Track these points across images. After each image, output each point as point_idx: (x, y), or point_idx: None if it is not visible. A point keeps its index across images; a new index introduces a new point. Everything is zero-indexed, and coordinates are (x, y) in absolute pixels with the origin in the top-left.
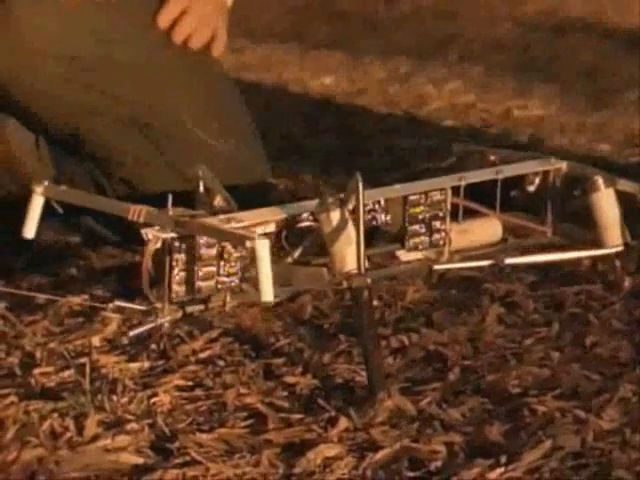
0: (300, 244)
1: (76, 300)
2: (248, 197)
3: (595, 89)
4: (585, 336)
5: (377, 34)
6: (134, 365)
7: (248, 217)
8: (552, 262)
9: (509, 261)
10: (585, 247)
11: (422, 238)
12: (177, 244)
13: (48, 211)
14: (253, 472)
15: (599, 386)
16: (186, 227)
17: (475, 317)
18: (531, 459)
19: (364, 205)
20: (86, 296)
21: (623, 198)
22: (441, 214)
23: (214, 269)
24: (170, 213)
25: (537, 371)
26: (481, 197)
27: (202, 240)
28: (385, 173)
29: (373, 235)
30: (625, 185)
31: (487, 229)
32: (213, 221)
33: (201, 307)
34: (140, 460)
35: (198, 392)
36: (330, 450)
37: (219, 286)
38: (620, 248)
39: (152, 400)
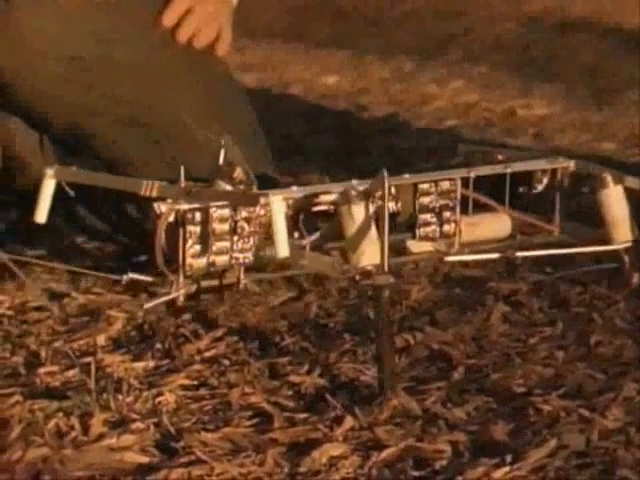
0: (317, 229)
1: (89, 272)
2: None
3: (597, 88)
4: (589, 335)
5: (379, 33)
6: (139, 364)
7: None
8: (562, 255)
9: (520, 254)
10: (593, 245)
11: (433, 227)
12: (190, 216)
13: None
14: (258, 471)
15: (603, 385)
16: (199, 196)
17: (479, 316)
18: (536, 458)
19: (376, 193)
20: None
21: (629, 195)
22: (451, 204)
23: (228, 244)
24: (182, 185)
25: (541, 370)
26: (490, 197)
27: (215, 214)
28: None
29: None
30: (632, 182)
31: (496, 224)
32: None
33: (215, 282)
34: (145, 459)
35: (203, 391)
36: (335, 449)
37: (233, 262)
38: (629, 244)
39: (157, 399)
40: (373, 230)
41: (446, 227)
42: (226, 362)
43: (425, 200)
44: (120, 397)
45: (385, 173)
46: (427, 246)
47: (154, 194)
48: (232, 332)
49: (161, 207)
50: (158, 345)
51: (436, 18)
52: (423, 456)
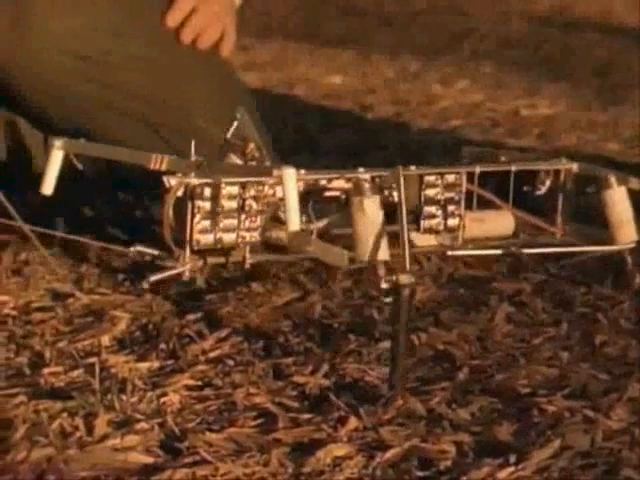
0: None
1: (96, 243)
2: None
3: (602, 88)
4: (594, 336)
5: (389, 31)
6: (143, 365)
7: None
8: (566, 254)
9: (526, 250)
10: (596, 246)
11: (437, 220)
12: (199, 191)
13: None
14: (263, 471)
15: (608, 386)
16: (210, 170)
17: (484, 316)
18: (540, 458)
19: (382, 184)
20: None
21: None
22: (456, 198)
23: (235, 222)
24: (193, 159)
25: (546, 370)
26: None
27: (224, 191)
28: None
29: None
30: (636, 183)
31: (501, 221)
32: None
33: (222, 260)
34: (149, 459)
35: (207, 392)
36: (339, 449)
37: (239, 240)
38: (632, 245)
39: (161, 400)
40: (383, 224)
41: (451, 221)
42: (230, 362)
43: (431, 192)
44: (124, 397)
45: (400, 170)
46: (431, 240)
47: (164, 167)
48: (236, 332)
49: (170, 181)
50: (162, 345)
51: (448, 15)
52: (427, 456)
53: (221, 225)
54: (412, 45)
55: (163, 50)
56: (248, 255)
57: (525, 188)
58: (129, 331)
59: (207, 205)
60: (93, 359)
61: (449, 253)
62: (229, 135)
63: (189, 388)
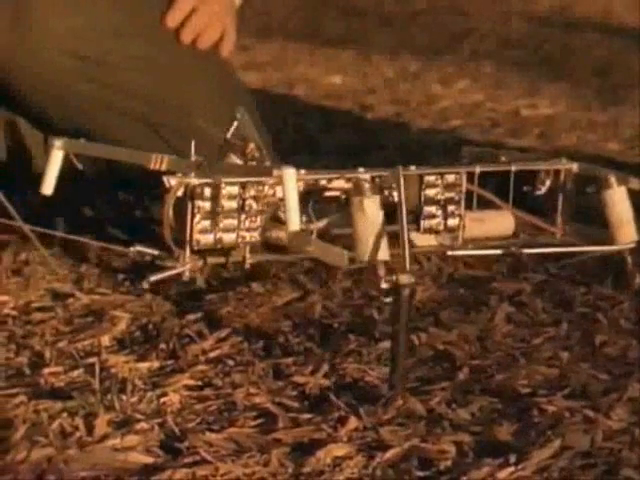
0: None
1: (96, 243)
2: None
3: (602, 88)
4: (594, 336)
5: (389, 31)
6: (143, 365)
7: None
8: (566, 254)
9: (526, 250)
10: (596, 246)
11: (437, 220)
12: (199, 191)
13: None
14: (263, 471)
15: (608, 386)
16: (210, 170)
17: (484, 316)
18: (540, 458)
19: (382, 184)
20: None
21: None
22: (456, 198)
23: (235, 222)
24: (193, 159)
25: (546, 370)
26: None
27: (224, 191)
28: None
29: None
30: (635, 183)
31: (501, 221)
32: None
33: (222, 260)
34: (149, 459)
35: (207, 392)
36: (339, 449)
37: (239, 240)
38: (632, 245)
39: (161, 400)
40: (382, 224)
41: (450, 221)
42: (230, 362)
43: (431, 192)
44: (124, 397)
45: (400, 170)
46: (431, 240)
47: (164, 167)
48: (236, 332)
49: (170, 181)
50: (162, 345)
51: (448, 15)
52: (427, 456)
53: (221, 225)
54: (412, 45)
55: (163, 50)
56: (248, 255)
57: (525, 188)
58: (129, 331)
59: (207, 205)
60: (93, 359)
61: (449, 253)
62: (229, 135)
63: (189, 388)
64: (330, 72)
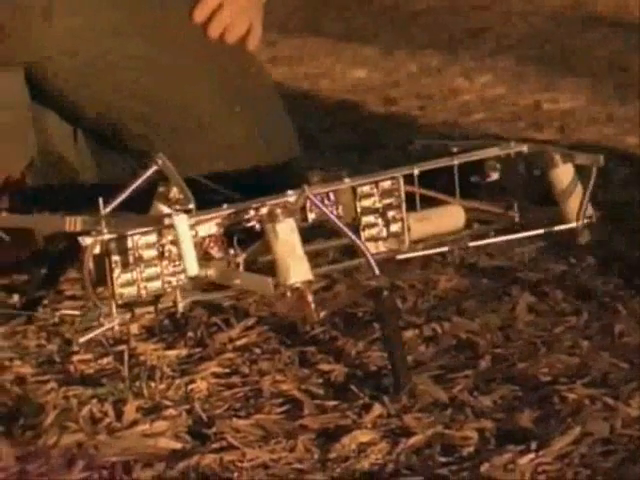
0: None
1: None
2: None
3: (621, 82)
4: (614, 325)
5: (411, 27)
6: (172, 352)
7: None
8: (515, 240)
9: (472, 244)
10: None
11: (378, 228)
12: (114, 245)
13: None
14: (289, 457)
15: (627, 374)
16: (118, 225)
17: (505, 306)
18: (561, 445)
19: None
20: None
21: None
22: (395, 203)
23: (158, 270)
24: (103, 216)
25: (567, 359)
26: (448, 188)
27: (141, 241)
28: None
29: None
30: (582, 158)
31: (448, 217)
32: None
33: (150, 309)
34: (178, 445)
35: (235, 379)
36: (364, 436)
37: (166, 286)
38: (587, 222)
39: (189, 387)
40: (299, 247)
41: (393, 226)
42: (257, 350)
43: (366, 202)
44: (153, 384)
45: (307, 189)
46: (379, 246)
47: (78, 228)
48: (263, 321)
49: (85, 240)
50: (190, 334)
51: (464, 13)
52: (450, 443)
53: (144, 275)
54: (434, 41)
55: (163, 49)
56: (180, 298)
57: (472, 179)
58: (158, 319)
59: (125, 258)
60: (122, 347)
61: (398, 257)
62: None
63: (217, 375)
64: (354, 67)
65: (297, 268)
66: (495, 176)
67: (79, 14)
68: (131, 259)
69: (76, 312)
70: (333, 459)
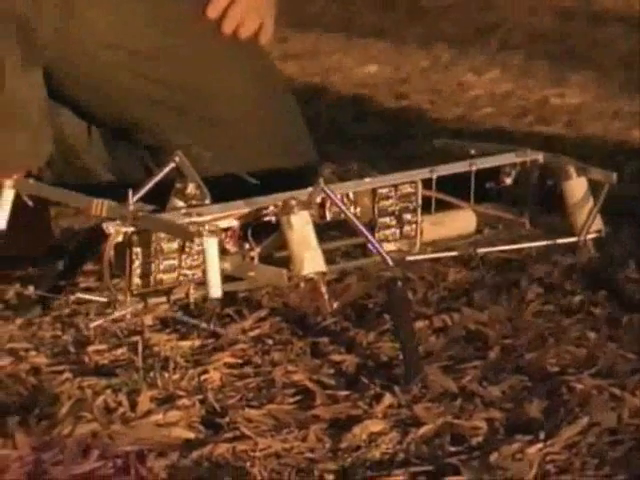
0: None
1: (34, 291)
2: (295, 179)
3: (629, 78)
4: (621, 317)
5: (421, 23)
6: (185, 343)
7: (210, 211)
8: (524, 249)
9: (482, 250)
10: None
11: (392, 230)
12: (137, 237)
13: None
14: (301, 446)
15: (634, 365)
16: (142, 222)
17: (514, 298)
18: (569, 435)
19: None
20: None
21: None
22: (411, 206)
23: (176, 262)
24: (131, 207)
25: (574, 350)
26: (463, 191)
27: (163, 234)
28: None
29: (343, 226)
30: (596, 174)
31: (460, 221)
32: (170, 216)
33: (163, 299)
34: (191, 435)
35: (247, 369)
36: (375, 426)
37: (181, 278)
38: (596, 235)
39: (203, 377)
40: (314, 238)
41: (407, 228)
42: (270, 341)
43: (384, 204)
44: (167, 375)
45: (322, 183)
46: (390, 246)
47: (104, 214)
48: (275, 312)
49: (109, 228)
50: (203, 325)
51: (477, 8)
52: (460, 432)
53: (161, 267)
54: (444, 37)
55: (203, 41)
56: (192, 291)
57: (487, 185)
58: (171, 310)
59: (146, 250)
60: (136, 337)
61: (407, 258)
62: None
63: (229, 366)
64: (365, 62)
65: (311, 259)
66: (509, 181)
67: (121, 9)
68: (152, 251)
69: (92, 297)
70: (344, 448)
